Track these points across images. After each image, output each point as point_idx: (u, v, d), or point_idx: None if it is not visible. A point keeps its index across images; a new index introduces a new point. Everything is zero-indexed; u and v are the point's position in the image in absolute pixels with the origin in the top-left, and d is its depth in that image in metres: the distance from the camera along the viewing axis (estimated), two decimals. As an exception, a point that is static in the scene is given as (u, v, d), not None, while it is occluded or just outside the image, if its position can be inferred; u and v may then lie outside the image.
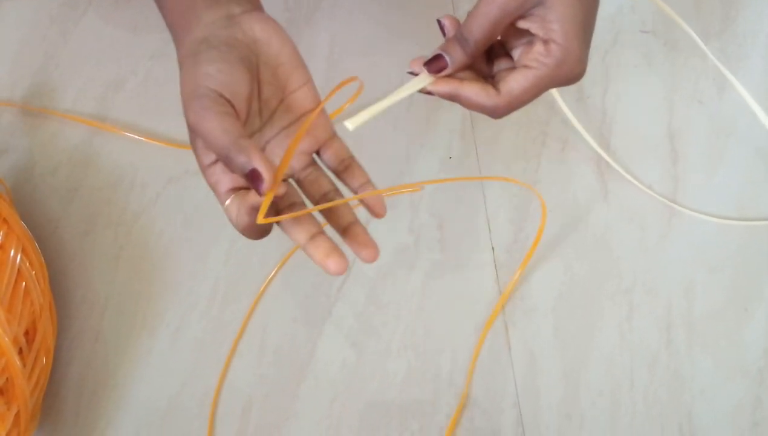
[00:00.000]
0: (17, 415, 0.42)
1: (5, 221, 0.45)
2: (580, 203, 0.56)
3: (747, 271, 0.53)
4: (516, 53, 0.38)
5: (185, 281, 0.53)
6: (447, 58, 0.36)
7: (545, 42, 0.35)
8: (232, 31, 0.35)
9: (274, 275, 0.53)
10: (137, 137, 0.57)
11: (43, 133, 0.58)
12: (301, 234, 0.35)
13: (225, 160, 0.32)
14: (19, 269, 0.44)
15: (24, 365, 0.42)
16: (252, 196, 0.33)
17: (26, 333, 0.44)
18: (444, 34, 0.38)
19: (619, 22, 0.62)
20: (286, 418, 0.49)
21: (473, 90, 0.36)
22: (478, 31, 0.35)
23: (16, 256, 0.44)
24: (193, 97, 0.33)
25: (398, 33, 0.61)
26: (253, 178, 0.31)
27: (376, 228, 0.55)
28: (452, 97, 0.37)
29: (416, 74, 0.38)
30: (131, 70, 0.60)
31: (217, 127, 0.32)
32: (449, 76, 0.37)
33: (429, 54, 0.37)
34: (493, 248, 0.54)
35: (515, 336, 0.51)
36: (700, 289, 0.53)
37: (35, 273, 0.46)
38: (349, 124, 0.36)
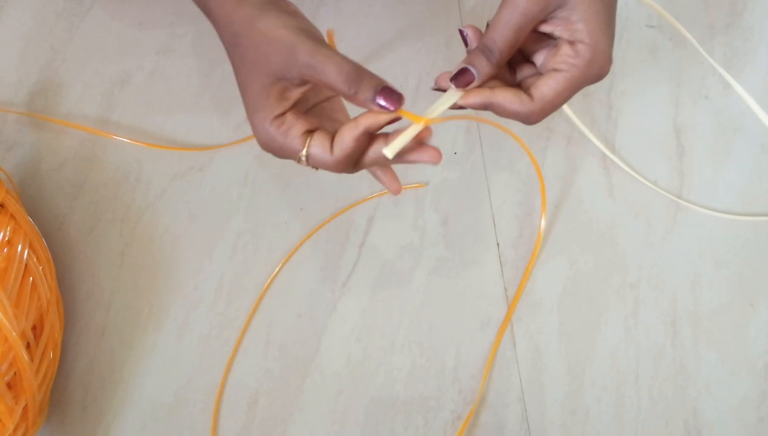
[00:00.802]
0: (25, 409, 0.42)
1: (12, 217, 0.46)
2: (586, 198, 0.55)
3: (753, 266, 0.53)
4: (538, 59, 0.38)
5: (191, 277, 0.53)
6: (473, 70, 0.36)
7: (571, 43, 0.35)
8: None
9: (279, 271, 0.53)
10: (138, 144, 0.57)
11: (49, 129, 0.58)
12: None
13: (353, 84, 0.33)
14: (26, 265, 0.44)
15: (31, 360, 0.43)
16: (366, 119, 0.34)
17: (34, 328, 0.44)
18: (466, 44, 0.38)
19: (624, 16, 0.62)
20: (291, 413, 0.49)
21: (506, 97, 0.36)
22: (502, 39, 0.35)
23: (24, 251, 0.45)
24: (297, 33, 0.34)
25: (403, 28, 0.61)
26: (387, 95, 0.34)
27: (381, 223, 0.55)
28: (486, 107, 0.36)
29: (443, 90, 0.37)
30: (137, 65, 0.60)
31: (338, 57, 0.34)
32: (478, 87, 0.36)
33: (453, 69, 0.36)
34: (498, 244, 0.54)
35: (520, 331, 0.51)
36: (706, 284, 0.53)
37: (42, 268, 0.46)
38: (388, 152, 0.35)
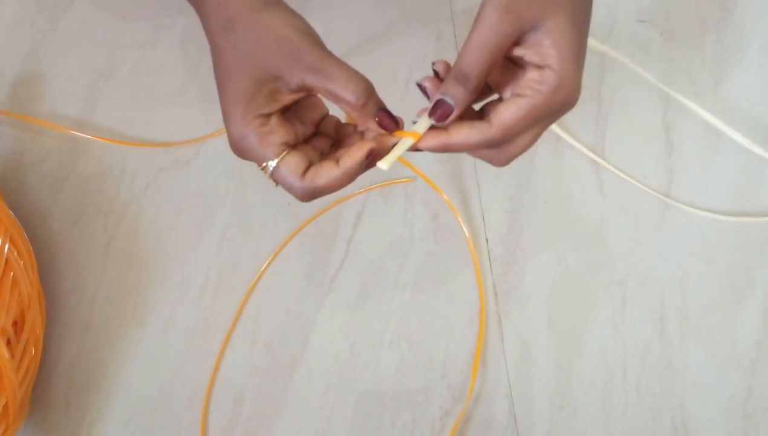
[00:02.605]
0: (5, 406, 0.42)
1: (-7, 209, 0.45)
2: (575, 195, 0.55)
3: (740, 264, 0.53)
4: (506, 93, 0.35)
5: (176, 271, 0.52)
6: (450, 100, 0.33)
7: (539, 68, 0.33)
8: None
9: (266, 266, 0.53)
10: (120, 145, 0.56)
11: (33, 122, 0.57)
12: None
13: (363, 96, 0.34)
14: (6, 259, 0.44)
15: (12, 356, 0.42)
16: (368, 143, 0.34)
17: (14, 324, 0.43)
18: (428, 97, 0.35)
19: (615, 11, 0.62)
20: (278, 409, 0.49)
21: (462, 133, 0.33)
22: (477, 64, 0.32)
23: (4, 245, 0.44)
24: (304, 36, 0.34)
25: (393, 20, 0.61)
26: (388, 116, 0.35)
27: (370, 218, 0.54)
28: (445, 149, 0.34)
29: (424, 90, 0.36)
30: (122, 57, 0.59)
31: (349, 67, 0.34)
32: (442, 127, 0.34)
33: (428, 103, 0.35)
34: (487, 240, 0.54)
35: (508, 327, 0.51)
36: (694, 281, 0.53)
37: (23, 263, 0.45)
38: (383, 165, 0.34)
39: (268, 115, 0.34)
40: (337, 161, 0.34)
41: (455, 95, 0.33)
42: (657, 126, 0.58)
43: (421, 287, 0.52)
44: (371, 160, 0.34)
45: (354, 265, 0.53)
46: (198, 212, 0.54)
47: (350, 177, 0.34)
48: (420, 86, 0.36)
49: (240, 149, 0.35)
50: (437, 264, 0.53)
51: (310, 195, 0.35)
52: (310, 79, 0.34)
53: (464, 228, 0.53)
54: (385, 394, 0.49)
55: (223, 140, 0.56)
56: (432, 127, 0.35)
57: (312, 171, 0.34)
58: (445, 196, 0.54)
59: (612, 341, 0.51)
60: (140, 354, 0.50)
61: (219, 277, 0.52)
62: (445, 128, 0.34)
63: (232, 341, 0.51)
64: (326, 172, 0.34)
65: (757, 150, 0.56)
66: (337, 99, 0.34)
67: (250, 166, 0.55)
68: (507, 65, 0.35)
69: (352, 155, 0.34)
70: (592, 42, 0.53)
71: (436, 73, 0.35)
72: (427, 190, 0.55)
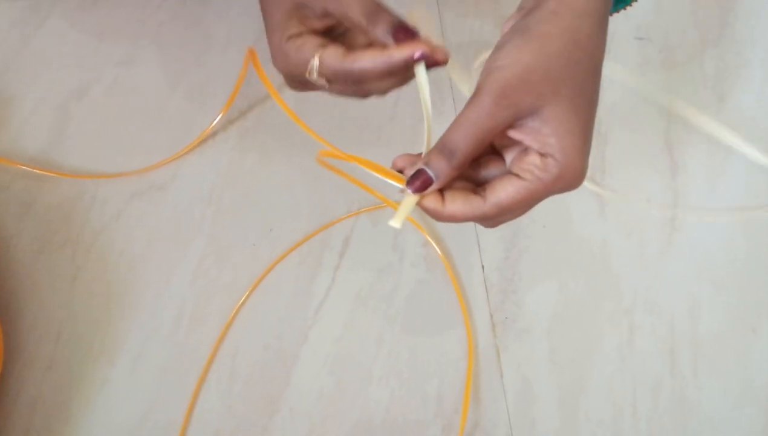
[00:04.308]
0: (-50, 456, 0.38)
1: (-56, 238, 0.41)
2: (575, 218, 0.52)
3: (753, 288, 0.50)
4: (509, 156, 0.34)
5: (148, 304, 0.49)
6: (431, 173, 0.32)
7: (542, 155, 0.31)
8: None
9: (246, 298, 0.49)
10: (84, 180, 0.52)
11: (-1, 144, 0.53)
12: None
13: (372, 18, 0.35)
14: (-43, 292, 0.40)
15: (-41, 400, 0.38)
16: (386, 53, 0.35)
17: (-36, 363, 0.40)
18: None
19: (612, 28, 0.59)
20: (257, 454, 0.45)
21: (455, 206, 0.33)
22: (465, 141, 0.31)
23: (-45, 277, 0.40)
24: None
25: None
26: (403, 30, 0.35)
27: (358, 245, 0.51)
28: (436, 216, 0.33)
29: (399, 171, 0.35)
30: (96, 77, 0.57)
31: None
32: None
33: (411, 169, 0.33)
34: (483, 266, 0.51)
35: (507, 361, 0.48)
36: (705, 308, 0.50)
37: (-23, 296, 0.41)
38: (395, 223, 0.33)
39: (300, 34, 0.37)
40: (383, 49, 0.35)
41: (438, 168, 0.32)
42: (659, 145, 0.55)
43: (412, 317, 0.49)
44: (419, 59, 0.34)
45: (340, 295, 0.49)
46: (172, 241, 0.50)
47: (390, 67, 0.35)
48: (395, 167, 0.35)
49: (287, 69, 0.37)
50: (429, 293, 0.50)
51: (350, 76, 0.35)
52: (329, 6, 0.36)
53: (457, 256, 0.50)
54: (373, 434, 0.46)
55: (199, 164, 0.53)
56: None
57: (353, 54, 0.35)
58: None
59: (620, 375, 0.47)
60: (107, 395, 0.46)
61: (194, 310, 0.49)
62: (441, 194, 0.33)
63: (208, 379, 0.47)
64: (369, 55, 0.35)
65: (764, 167, 0.53)
66: (352, 24, 0.36)
67: (229, 191, 0.52)
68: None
69: (401, 49, 0.35)
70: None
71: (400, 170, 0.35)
72: (418, 214, 0.52)
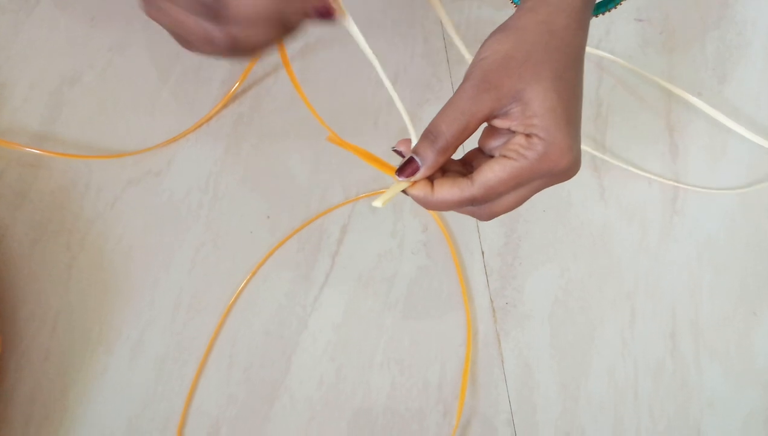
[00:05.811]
0: (-52, 448, 0.37)
1: (-63, 227, 0.41)
2: (575, 202, 0.52)
3: (755, 271, 0.50)
4: (495, 152, 0.35)
5: (145, 293, 0.48)
6: (418, 159, 0.34)
7: (527, 136, 0.32)
8: None
9: (244, 285, 0.48)
10: (84, 159, 0.52)
11: (-9, 132, 0.53)
12: None
13: None
14: (-49, 282, 0.39)
15: (-45, 391, 0.37)
16: None
17: (-40, 354, 0.39)
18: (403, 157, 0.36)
19: (611, 10, 0.59)
20: (257, 442, 0.45)
21: (443, 189, 0.34)
22: (448, 126, 0.33)
23: (-51, 267, 0.39)
24: None
25: (380, 21, 0.57)
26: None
27: (356, 231, 0.51)
28: (425, 204, 0.34)
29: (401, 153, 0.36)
30: (89, 62, 0.55)
31: None
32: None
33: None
34: (483, 252, 0.50)
35: (508, 347, 0.47)
36: (706, 291, 0.49)
37: (-28, 286, 0.41)
38: (377, 203, 0.34)
39: None
40: None
41: (423, 154, 0.34)
42: (660, 127, 0.54)
43: (412, 304, 0.48)
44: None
45: (339, 281, 0.49)
46: (169, 228, 0.50)
47: None
48: (396, 151, 0.36)
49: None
50: (430, 279, 0.49)
51: None
52: None
53: (457, 241, 0.50)
54: (375, 421, 0.45)
55: (196, 151, 0.52)
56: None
57: None
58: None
59: (621, 360, 0.47)
60: (106, 384, 0.46)
61: (192, 298, 0.48)
62: (431, 181, 0.34)
63: (207, 367, 0.46)
64: None
65: (766, 150, 0.53)
66: None
67: (226, 178, 0.51)
68: (496, 131, 0.35)
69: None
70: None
71: (400, 153, 0.36)
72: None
